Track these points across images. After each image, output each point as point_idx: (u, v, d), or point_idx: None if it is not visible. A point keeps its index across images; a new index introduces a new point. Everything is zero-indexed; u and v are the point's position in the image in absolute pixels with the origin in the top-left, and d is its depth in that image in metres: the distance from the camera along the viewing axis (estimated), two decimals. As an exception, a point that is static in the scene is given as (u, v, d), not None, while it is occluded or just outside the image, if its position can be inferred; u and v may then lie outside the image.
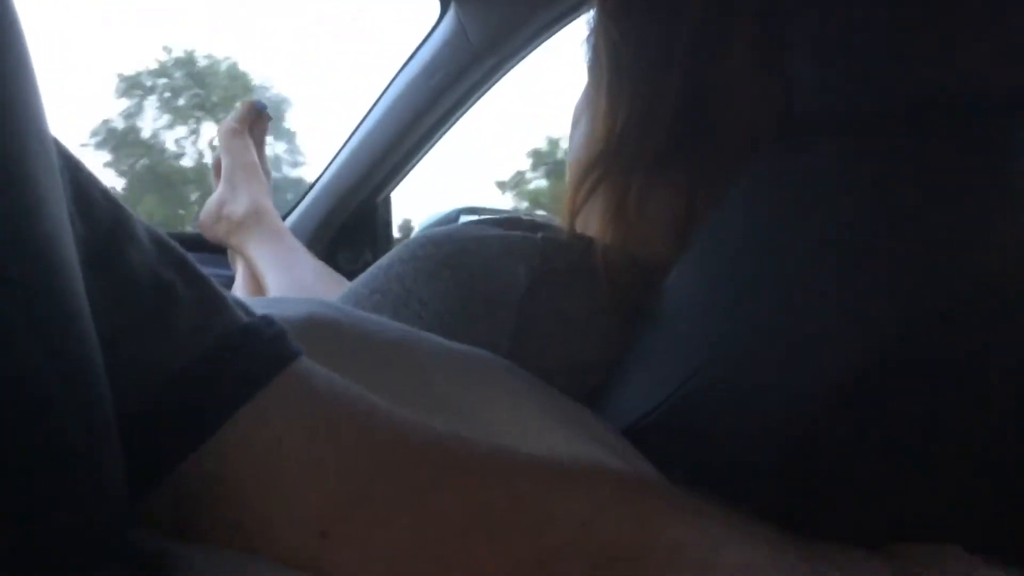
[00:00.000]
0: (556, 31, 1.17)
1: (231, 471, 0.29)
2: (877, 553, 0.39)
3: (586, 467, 0.37)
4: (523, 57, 1.24)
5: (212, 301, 0.31)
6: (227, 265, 1.07)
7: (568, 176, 0.63)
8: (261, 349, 0.31)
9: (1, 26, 0.22)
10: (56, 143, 0.27)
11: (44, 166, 0.23)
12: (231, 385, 0.30)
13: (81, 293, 0.24)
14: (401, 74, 1.30)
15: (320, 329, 0.41)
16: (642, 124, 0.55)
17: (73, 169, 0.28)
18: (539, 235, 0.54)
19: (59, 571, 0.22)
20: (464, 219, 1.35)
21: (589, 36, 0.62)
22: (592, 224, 0.59)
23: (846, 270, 0.42)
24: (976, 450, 0.42)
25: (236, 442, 0.29)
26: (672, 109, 0.54)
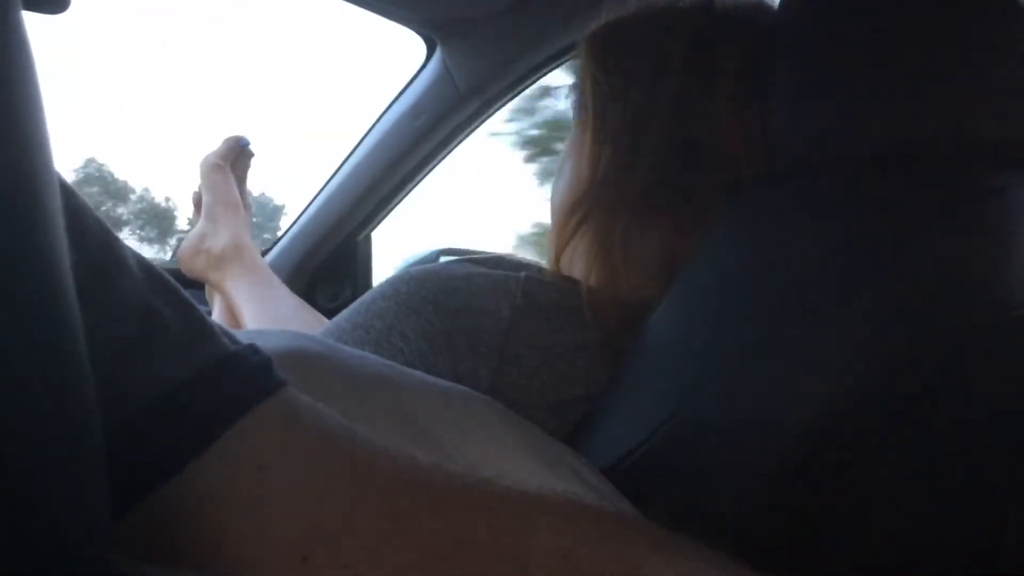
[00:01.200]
0: (541, 76, 1.19)
1: (213, 495, 0.29)
2: None
3: (567, 501, 0.37)
4: (508, 100, 1.26)
5: (199, 328, 0.31)
6: (204, 300, 1.06)
7: (552, 217, 0.64)
8: (246, 376, 0.31)
9: (16, 58, 0.22)
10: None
11: (49, 192, 0.24)
12: (215, 410, 0.30)
13: (76, 315, 0.24)
14: (386, 114, 1.31)
15: (303, 361, 0.41)
16: (625, 167, 0.56)
17: (67, 196, 0.28)
18: (522, 274, 0.55)
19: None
20: (444, 260, 1.36)
21: (575, 83, 0.63)
22: (577, 265, 0.59)
23: (821, 309, 0.43)
24: (953, 486, 0.43)
25: (219, 466, 0.29)
26: (655, 153, 0.55)
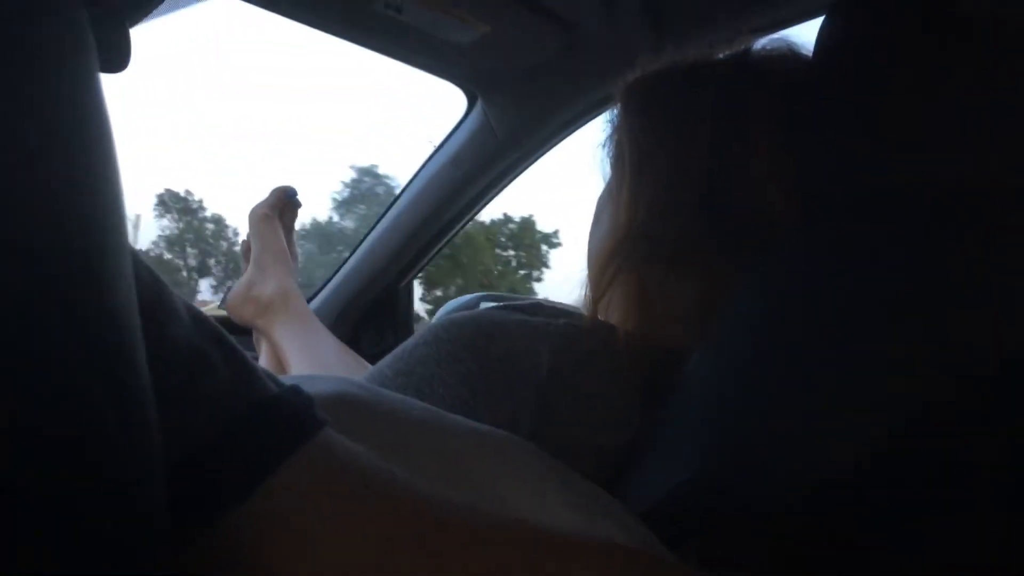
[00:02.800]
0: (579, 127, 1.22)
1: (255, 535, 0.30)
2: None
3: (603, 544, 0.37)
4: (547, 150, 1.28)
5: (245, 371, 0.33)
6: (251, 347, 1.08)
7: (588, 265, 0.65)
8: (290, 418, 0.32)
9: (95, 119, 0.24)
10: None
11: (120, 243, 0.25)
12: (261, 452, 0.31)
13: (142, 350, 0.26)
14: (428, 164, 1.34)
15: (348, 405, 0.42)
16: (662, 217, 0.57)
17: None
18: (561, 320, 0.56)
19: None
20: (484, 305, 1.37)
21: (612, 134, 0.65)
22: (614, 312, 0.60)
23: (859, 353, 0.43)
24: (994, 532, 0.42)
25: (262, 510, 0.30)
26: (691, 203, 0.56)
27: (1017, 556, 0.40)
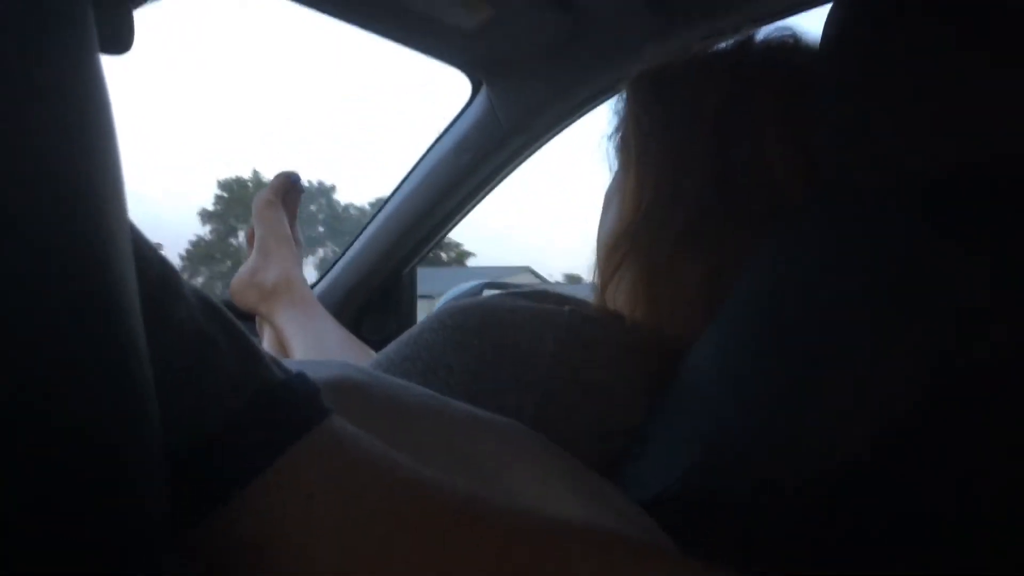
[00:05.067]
0: (585, 113, 1.21)
1: (259, 521, 0.30)
2: None
3: (606, 533, 0.37)
4: (551, 137, 1.27)
5: (251, 357, 0.33)
6: (255, 333, 1.09)
7: (597, 252, 0.65)
8: (295, 406, 0.32)
9: (94, 95, 0.24)
10: None
11: (120, 217, 0.25)
12: (266, 438, 0.31)
13: (142, 336, 0.25)
14: (432, 151, 1.34)
15: (349, 390, 0.42)
16: (668, 201, 0.57)
17: (129, 228, 0.30)
18: (566, 308, 0.56)
19: None
20: (487, 293, 1.37)
21: (618, 125, 0.65)
22: (621, 299, 0.60)
23: (867, 339, 0.43)
24: (994, 528, 0.42)
25: (267, 495, 0.30)
26: (696, 187, 0.56)
27: (1016, 558, 0.40)
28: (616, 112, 0.66)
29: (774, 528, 0.43)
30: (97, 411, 0.22)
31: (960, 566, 0.41)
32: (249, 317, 1.07)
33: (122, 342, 0.24)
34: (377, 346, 0.76)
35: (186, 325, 0.31)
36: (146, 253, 0.31)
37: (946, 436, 0.41)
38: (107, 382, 0.23)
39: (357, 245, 1.45)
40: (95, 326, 0.22)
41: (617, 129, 0.65)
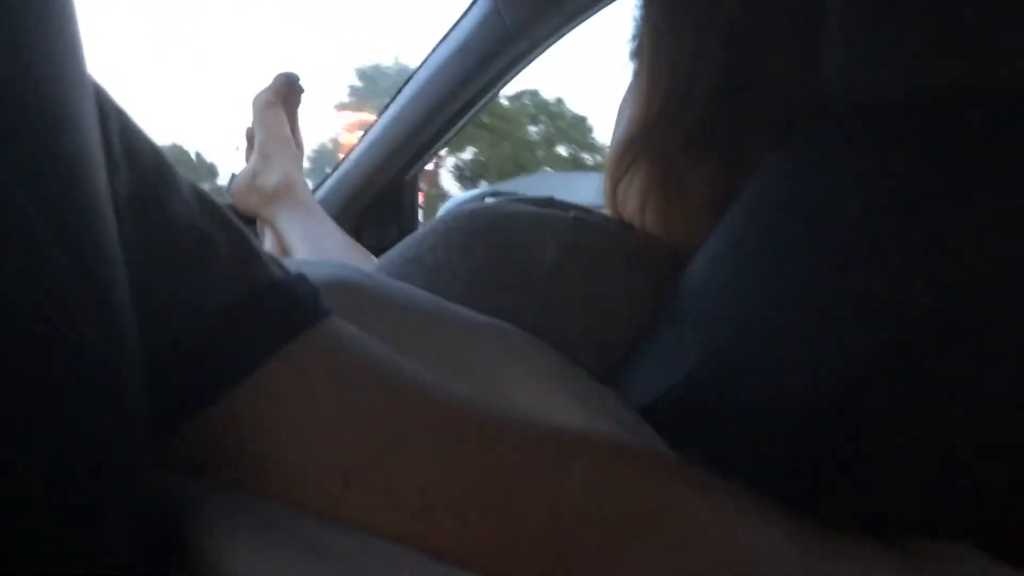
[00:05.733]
0: (589, 15, 1.17)
1: (258, 416, 0.30)
2: (891, 547, 0.39)
3: (603, 438, 0.37)
4: (555, 40, 1.24)
5: (249, 253, 0.32)
6: (256, 236, 1.08)
7: (608, 156, 0.64)
8: (293, 303, 0.32)
9: None
10: (104, 92, 0.28)
11: (80, 93, 0.24)
12: (264, 333, 0.31)
13: (110, 218, 0.24)
14: (434, 54, 1.30)
15: (347, 291, 0.42)
16: (679, 103, 0.56)
17: (122, 119, 0.29)
18: (571, 214, 0.55)
19: (76, 501, 0.22)
20: (490, 200, 1.36)
21: (636, 27, 0.63)
22: (630, 203, 0.60)
23: (871, 253, 0.42)
24: (998, 445, 0.42)
25: (265, 388, 0.30)
26: (708, 89, 0.55)
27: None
28: (634, 18, 0.65)
29: (772, 434, 0.44)
30: (61, 305, 0.21)
31: (961, 486, 0.42)
32: (251, 221, 1.06)
33: (84, 211, 0.23)
34: (377, 252, 0.76)
35: (181, 220, 0.30)
36: (140, 144, 0.30)
37: (949, 359, 0.41)
38: (78, 274, 0.22)
39: (359, 149, 1.43)
40: (53, 195, 0.22)
41: (634, 36, 0.64)
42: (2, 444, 0.20)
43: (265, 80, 1.04)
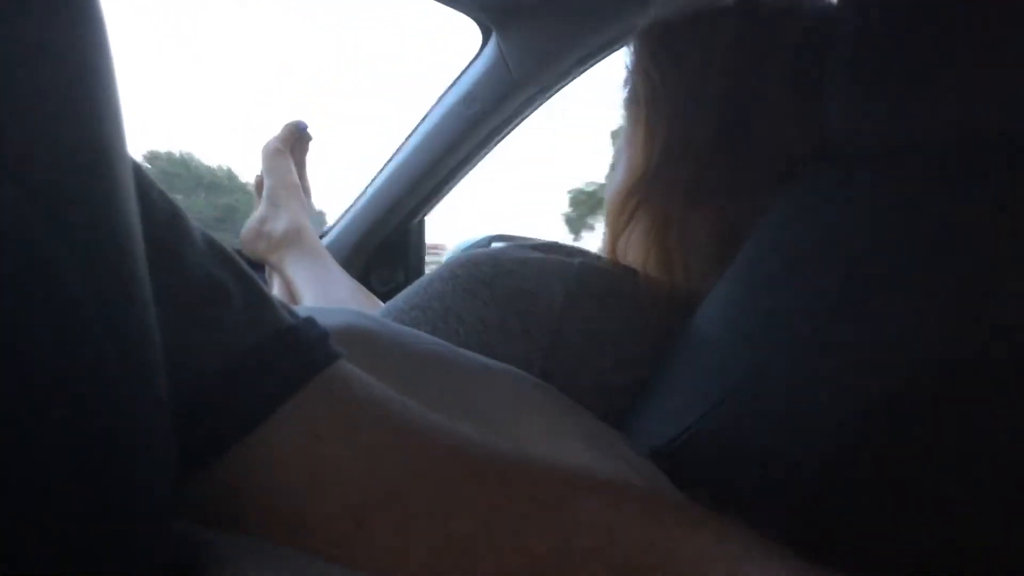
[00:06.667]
0: (594, 64, 1.19)
1: (270, 462, 0.30)
2: None
3: (612, 480, 0.37)
4: (561, 88, 1.26)
5: (261, 301, 0.33)
6: (265, 282, 1.09)
7: (607, 206, 0.65)
8: (305, 348, 0.32)
9: (88, 28, 0.23)
10: None
11: (120, 153, 0.25)
12: (276, 381, 0.31)
13: (145, 272, 0.25)
14: (441, 101, 1.32)
15: (357, 337, 0.42)
16: (678, 154, 0.57)
17: (134, 169, 0.29)
18: (576, 260, 0.56)
19: (101, 548, 0.22)
20: (496, 246, 1.36)
21: (629, 75, 0.64)
22: (632, 252, 0.60)
23: (878, 299, 0.42)
24: (1008, 491, 0.42)
25: (277, 436, 0.30)
26: (707, 138, 0.56)
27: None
28: (625, 65, 0.65)
29: (782, 480, 0.44)
30: (97, 353, 0.22)
31: (971, 529, 0.41)
32: (259, 267, 1.07)
33: (124, 281, 0.23)
34: (384, 298, 0.77)
35: (195, 269, 0.31)
36: (152, 195, 0.30)
37: (960, 397, 0.41)
38: (107, 324, 0.22)
39: (365, 196, 1.44)
40: (96, 265, 0.22)
41: (627, 82, 0.65)
42: (35, 480, 0.20)
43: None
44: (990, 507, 0.42)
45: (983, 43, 0.43)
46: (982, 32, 0.43)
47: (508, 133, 1.34)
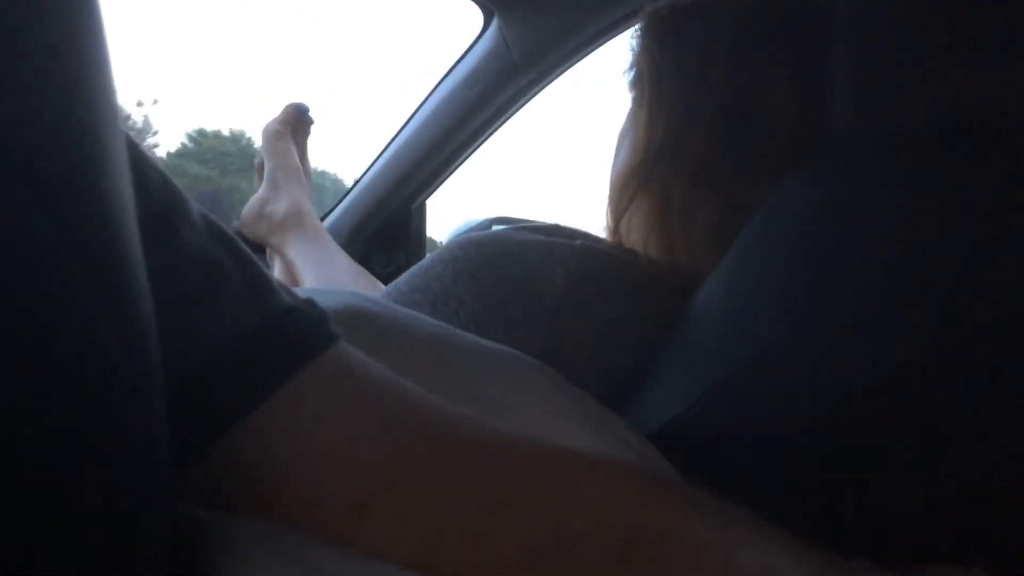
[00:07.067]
0: (596, 47, 1.19)
1: (269, 445, 0.30)
2: (896, 571, 0.39)
3: (611, 462, 0.37)
4: (562, 71, 1.25)
5: (260, 282, 0.32)
6: (266, 263, 1.09)
7: (610, 188, 0.65)
8: (304, 330, 0.32)
9: (82, 5, 0.23)
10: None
11: (112, 132, 0.24)
12: (276, 362, 0.31)
13: (139, 253, 0.25)
14: (442, 84, 1.32)
15: (357, 319, 0.42)
16: (680, 136, 0.57)
17: (129, 147, 0.29)
18: (578, 242, 0.56)
19: (97, 526, 0.22)
20: (496, 228, 1.36)
21: (634, 58, 0.64)
22: (634, 234, 0.60)
23: (877, 283, 0.43)
24: (1004, 470, 0.42)
25: (276, 417, 0.30)
26: (709, 123, 0.56)
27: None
28: (631, 48, 0.65)
29: (778, 462, 0.44)
30: (91, 330, 0.22)
31: (968, 510, 0.41)
32: (261, 249, 1.07)
33: (117, 262, 0.23)
34: (385, 280, 0.77)
35: (192, 248, 0.30)
36: (149, 174, 0.30)
37: (956, 385, 0.41)
38: (103, 306, 0.22)
39: (366, 178, 1.44)
40: (87, 243, 0.22)
41: (632, 65, 0.65)
42: (38, 464, 0.20)
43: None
44: (981, 485, 0.42)
45: (985, 35, 0.43)
46: (983, 24, 0.43)
47: (509, 117, 1.34)
